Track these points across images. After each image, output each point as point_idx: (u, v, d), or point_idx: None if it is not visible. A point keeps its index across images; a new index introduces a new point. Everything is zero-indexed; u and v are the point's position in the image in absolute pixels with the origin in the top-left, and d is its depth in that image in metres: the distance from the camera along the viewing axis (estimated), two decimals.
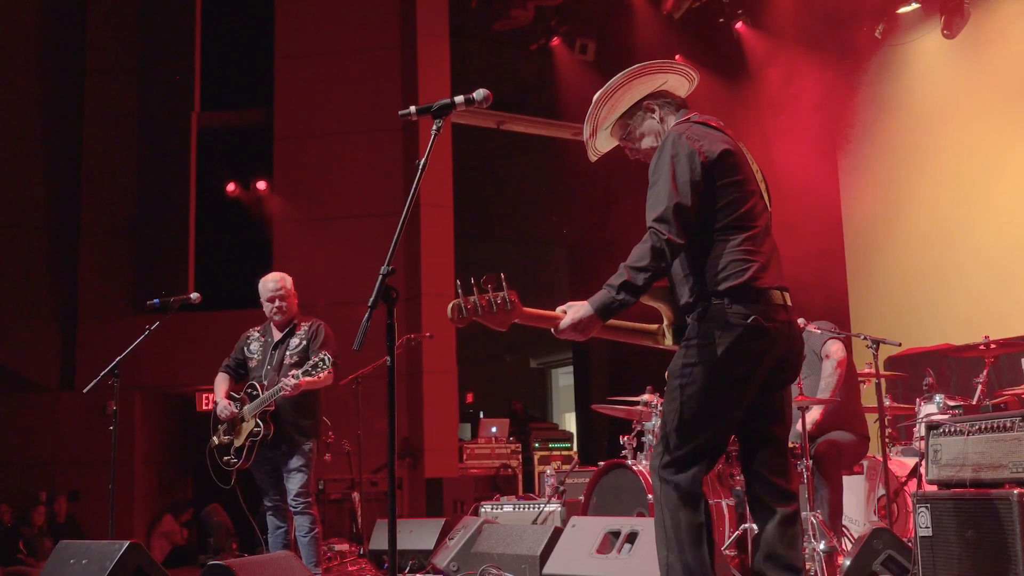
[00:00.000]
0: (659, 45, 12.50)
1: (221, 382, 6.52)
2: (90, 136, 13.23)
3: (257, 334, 6.59)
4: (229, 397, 6.43)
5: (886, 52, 11.61)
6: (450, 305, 3.26)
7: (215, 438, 6.40)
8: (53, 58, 13.23)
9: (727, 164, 3.46)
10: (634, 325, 3.63)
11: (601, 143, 3.83)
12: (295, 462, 6.22)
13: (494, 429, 11.68)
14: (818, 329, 6.29)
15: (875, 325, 10.68)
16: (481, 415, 14.23)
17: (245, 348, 6.56)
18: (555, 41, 13.06)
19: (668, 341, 3.62)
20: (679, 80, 3.76)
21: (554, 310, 3.42)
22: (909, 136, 11.35)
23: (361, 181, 12.59)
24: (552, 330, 3.38)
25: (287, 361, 6.25)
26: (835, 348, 6.15)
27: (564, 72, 13.20)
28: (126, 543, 5.39)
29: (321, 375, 6.01)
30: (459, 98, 3.53)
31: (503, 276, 3.26)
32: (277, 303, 6.42)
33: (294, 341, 6.37)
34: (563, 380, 20.02)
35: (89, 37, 13.43)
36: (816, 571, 5.14)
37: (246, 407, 6.29)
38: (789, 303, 3.51)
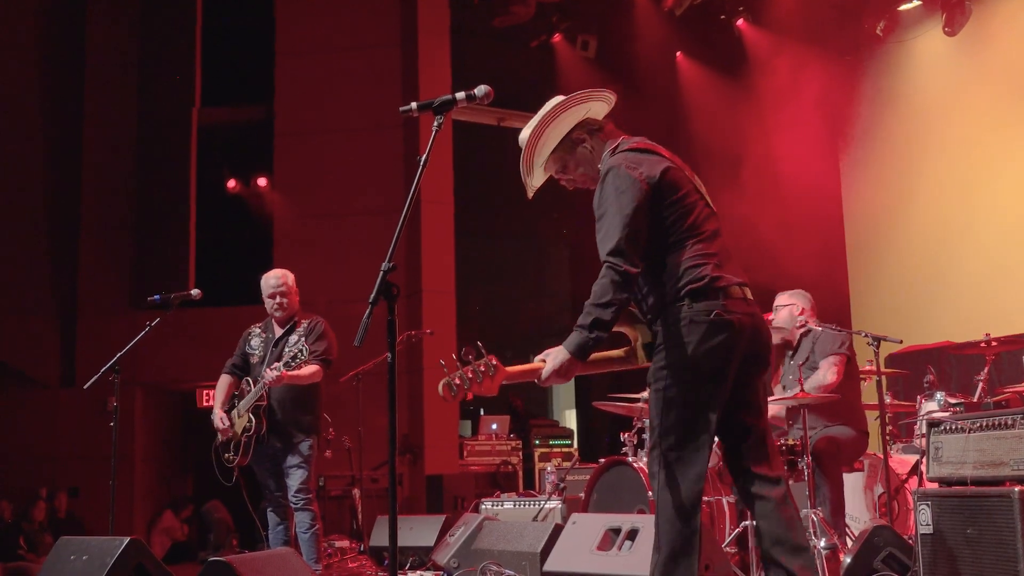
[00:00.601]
0: (660, 42, 12.51)
1: (222, 387, 6.52)
2: (90, 132, 13.22)
3: (258, 330, 6.60)
4: (231, 396, 6.45)
5: (887, 49, 11.60)
6: (441, 385, 3.36)
7: (219, 436, 6.42)
8: (53, 54, 13.22)
9: (669, 183, 3.60)
10: (607, 355, 3.73)
11: (536, 180, 3.92)
12: (295, 458, 6.22)
13: (494, 426, 11.66)
14: (820, 328, 6.25)
15: (876, 322, 10.68)
16: (481, 412, 14.20)
17: (247, 345, 6.57)
18: (556, 38, 13.06)
19: (641, 359, 3.73)
20: (600, 106, 3.87)
21: (505, 376, 3.49)
22: (911, 133, 11.34)
23: (362, 178, 12.59)
24: (536, 380, 3.50)
25: (287, 358, 6.26)
26: (836, 369, 6.07)
27: (565, 69, 13.19)
28: (126, 539, 5.39)
29: (304, 369, 6.04)
30: (460, 94, 3.53)
31: (480, 344, 3.38)
32: (278, 299, 6.43)
33: (293, 338, 6.38)
34: None
35: (89, 34, 13.42)
36: (818, 568, 5.13)
37: (240, 403, 6.30)
38: (749, 296, 3.63)
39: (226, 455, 6.34)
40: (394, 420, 3.35)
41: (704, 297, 3.49)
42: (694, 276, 3.51)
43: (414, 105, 3.58)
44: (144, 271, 12.81)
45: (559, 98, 3.80)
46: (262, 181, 13.18)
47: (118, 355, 6.18)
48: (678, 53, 12.93)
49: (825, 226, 11.71)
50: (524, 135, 3.80)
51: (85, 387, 6.40)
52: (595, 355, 3.60)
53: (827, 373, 6.04)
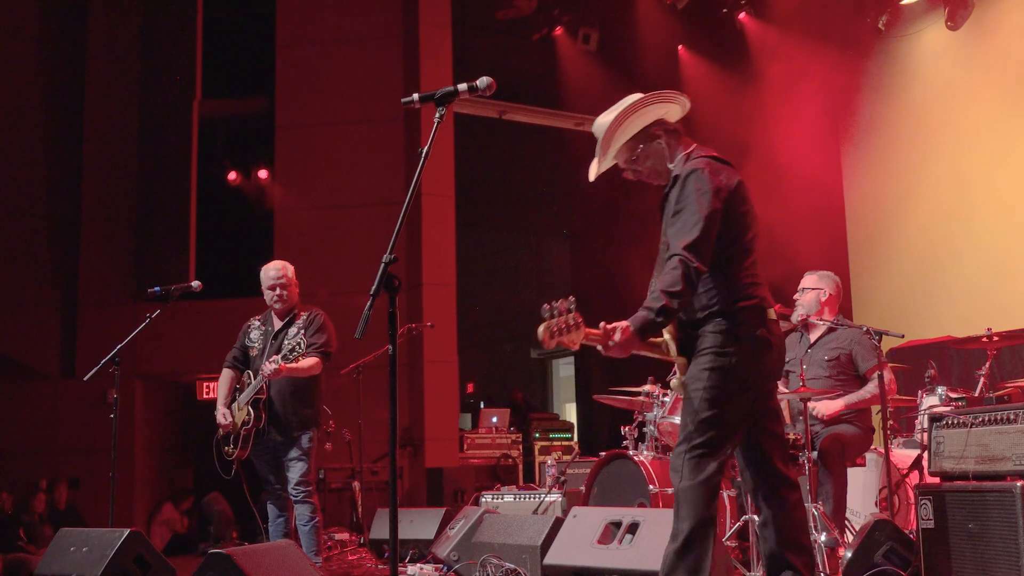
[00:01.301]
0: (661, 36, 12.48)
1: (224, 382, 6.51)
2: (91, 124, 13.20)
3: (258, 323, 6.58)
4: (233, 390, 6.44)
5: (889, 43, 11.58)
6: (542, 328, 3.42)
7: (221, 429, 6.42)
8: (55, 46, 13.20)
9: (741, 195, 3.86)
10: (654, 340, 3.90)
11: (606, 164, 4.09)
12: (295, 451, 6.23)
13: (495, 419, 11.66)
14: (853, 327, 6.19)
15: (878, 317, 10.67)
16: (482, 405, 14.21)
17: (246, 338, 6.56)
18: (558, 31, 13.04)
19: (672, 352, 3.91)
20: (677, 110, 4.09)
21: (585, 336, 3.58)
22: (912, 127, 11.32)
23: (363, 170, 12.57)
24: (600, 348, 3.63)
25: (287, 350, 6.24)
26: (888, 379, 6.00)
27: (567, 62, 13.18)
28: (126, 531, 5.41)
29: (303, 361, 6.02)
30: (462, 85, 3.53)
31: (573, 299, 3.46)
32: (278, 291, 6.42)
33: (292, 330, 6.36)
34: (564, 370, 19.99)
35: (91, 25, 13.39)
36: (818, 562, 5.13)
37: (240, 396, 6.29)
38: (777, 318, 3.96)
39: (226, 448, 6.34)
40: (394, 413, 3.35)
41: (752, 314, 3.79)
42: (747, 293, 3.80)
43: (416, 96, 3.58)
44: (145, 263, 12.80)
45: (639, 94, 3.99)
46: (263, 173, 13.16)
47: (118, 347, 6.19)
48: (680, 47, 12.89)
49: (827, 220, 11.69)
50: (604, 119, 3.97)
51: (85, 379, 6.42)
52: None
53: (877, 384, 5.97)
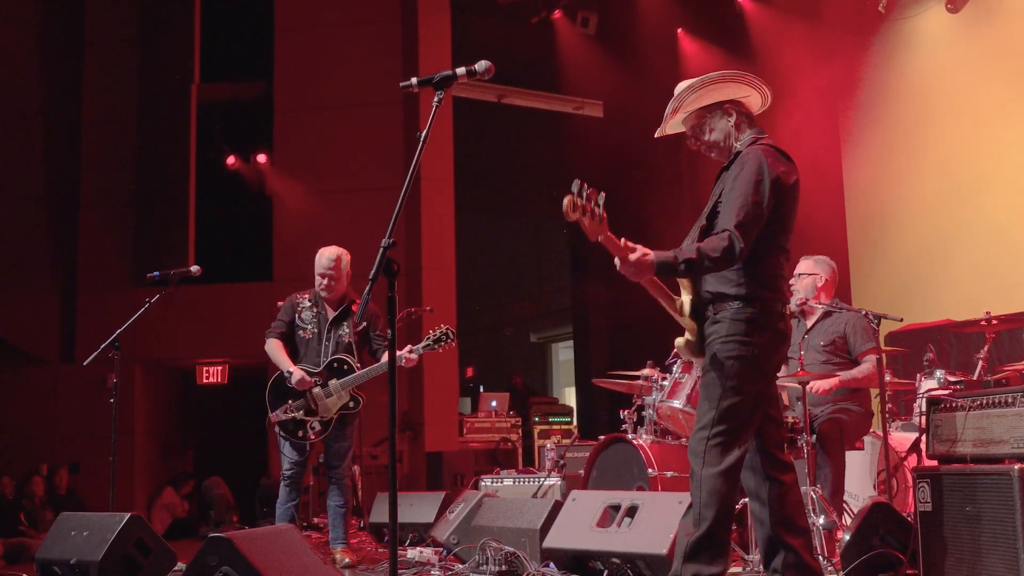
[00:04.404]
0: (660, 19, 12.43)
1: (280, 349, 6.37)
2: (90, 108, 13.19)
3: (308, 303, 6.50)
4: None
5: (889, 26, 11.53)
6: (567, 199, 3.46)
7: (279, 412, 6.31)
8: (53, 30, 13.16)
9: (793, 194, 3.99)
10: (666, 289, 4.00)
11: (672, 127, 4.19)
12: (349, 434, 6.42)
13: (494, 403, 11.69)
14: (850, 311, 6.20)
15: (876, 300, 10.66)
16: (481, 389, 14.24)
17: (297, 316, 6.48)
18: (557, 14, 12.99)
19: (684, 312, 3.99)
20: (758, 100, 4.18)
21: (604, 235, 3.64)
22: (912, 110, 11.29)
23: (361, 154, 12.55)
24: (617, 261, 3.68)
25: (348, 340, 6.34)
26: (874, 363, 6.02)
27: (565, 46, 13.13)
28: (127, 515, 5.43)
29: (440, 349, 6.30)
30: (460, 69, 3.53)
31: (603, 194, 3.54)
32: (327, 281, 6.42)
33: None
34: (563, 354, 20.02)
35: (89, 9, 13.36)
36: (816, 545, 5.15)
37: (338, 381, 6.27)
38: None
39: (301, 432, 6.26)
40: (394, 397, 3.36)
41: (772, 307, 3.90)
42: (773, 286, 3.93)
43: (414, 80, 3.58)
44: (144, 247, 12.80)
45: (727, 71, 4.11)
46: (262, 157, 13.15)
47: (118, 331, 6.19)
48: (679, 30, 12.85)
49: (826, 203, 11.65)
50: (684, 84, 4.07)
51: (85, 363, 6.43)
52: (662, 284, 3.93)
53: (867, 367, 5.99)
